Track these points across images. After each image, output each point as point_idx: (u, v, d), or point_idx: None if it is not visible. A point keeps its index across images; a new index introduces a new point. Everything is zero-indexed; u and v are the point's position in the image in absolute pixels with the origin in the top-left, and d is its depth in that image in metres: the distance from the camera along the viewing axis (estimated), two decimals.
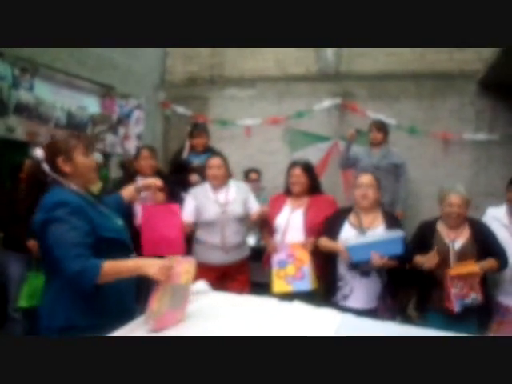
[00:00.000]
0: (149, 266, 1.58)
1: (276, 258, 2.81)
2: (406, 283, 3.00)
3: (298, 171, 2.93)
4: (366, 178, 2.68)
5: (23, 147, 3.79)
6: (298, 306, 1.89)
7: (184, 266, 1.66)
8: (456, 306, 2.41)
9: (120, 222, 1.83)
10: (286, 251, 2.78)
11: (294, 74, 5.18)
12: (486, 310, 2.55)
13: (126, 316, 1.67)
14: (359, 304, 2.51)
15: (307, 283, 2.67)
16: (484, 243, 2.53)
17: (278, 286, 2.72)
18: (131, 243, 1.86)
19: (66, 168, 1.68)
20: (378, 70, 4.85)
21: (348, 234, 2.57)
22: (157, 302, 1.57)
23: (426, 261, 2.47)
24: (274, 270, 2.77)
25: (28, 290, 3.03)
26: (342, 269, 2.56)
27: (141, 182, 2.32)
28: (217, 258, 2.91)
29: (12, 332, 3.16)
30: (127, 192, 2.08)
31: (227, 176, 3.04)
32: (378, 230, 2.57)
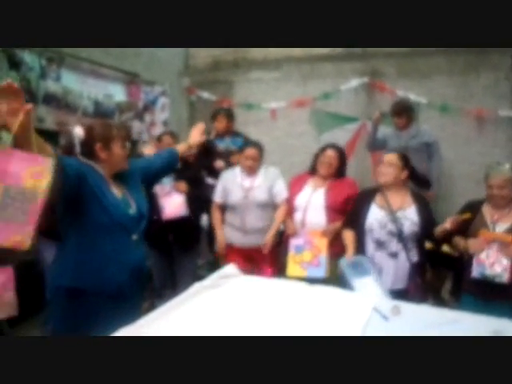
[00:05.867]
0: None
1: (293, 242, 2.82)
2: (439, 265, 2.93)
3: (332, 153, 2.93)
4: (386, 157, 2.67)
5: (53, 136, 3.86)
6: (330, 290, 1.87)
7: (30, 166, 1.24)
8: (474, 271, 2.31)
9: (130, 209, 1.87)
10: (305, 237, 2.79)
11: (319, 54, 5.04)
12: None
13: (114, 288, 1.79)
14: (388, 284, 2.47)
15: (322, 271, 2.68)
16: None
17: (293, 270, 2.74)
18: (137, 228, 1.90)
19: (103, 155, 1.81)
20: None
21: (376, 216, 2.53)
22: None
23: (472, 246, 2.35)
24: (291, 253, 2.79)
25: None
26: (371, 249, 2.54)
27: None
28: (237, 239, 2.99)
29: (50, 316, 3.25)
30: (183, 148, 2.34)
31: (260, 165, 3.05)
32: (408, 212, 2.51)
